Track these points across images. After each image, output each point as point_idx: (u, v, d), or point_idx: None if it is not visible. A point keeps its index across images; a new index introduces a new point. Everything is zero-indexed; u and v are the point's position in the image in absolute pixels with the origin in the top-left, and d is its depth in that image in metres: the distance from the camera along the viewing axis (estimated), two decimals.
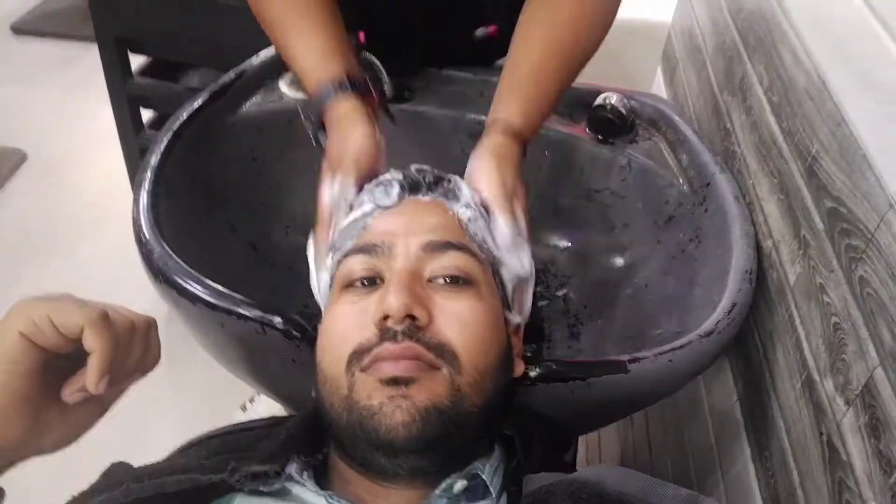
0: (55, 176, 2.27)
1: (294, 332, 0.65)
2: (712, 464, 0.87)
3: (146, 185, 0.77)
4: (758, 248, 0.80)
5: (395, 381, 0.52)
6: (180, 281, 0.68)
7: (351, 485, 0.57)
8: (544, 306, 0.99)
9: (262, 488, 0.56)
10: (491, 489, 0.56)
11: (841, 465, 0.59)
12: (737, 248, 0.79)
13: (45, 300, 0.49)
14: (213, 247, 0.89)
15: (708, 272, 0.83)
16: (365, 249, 0.59)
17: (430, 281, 0.58)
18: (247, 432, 0.72)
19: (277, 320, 0.65)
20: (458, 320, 0.56)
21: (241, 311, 0.66)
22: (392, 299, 0.53)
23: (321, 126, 0.77)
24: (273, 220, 1.00)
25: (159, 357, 0.55)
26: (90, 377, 0.48)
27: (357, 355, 0.54)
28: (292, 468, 0.56)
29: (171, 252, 0.70)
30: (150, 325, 0.54)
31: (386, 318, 0.54)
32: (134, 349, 0.52)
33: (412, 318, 0.54)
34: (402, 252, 0.59)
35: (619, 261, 0.98)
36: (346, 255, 0.61)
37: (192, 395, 1.67)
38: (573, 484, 0.54)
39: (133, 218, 0.74)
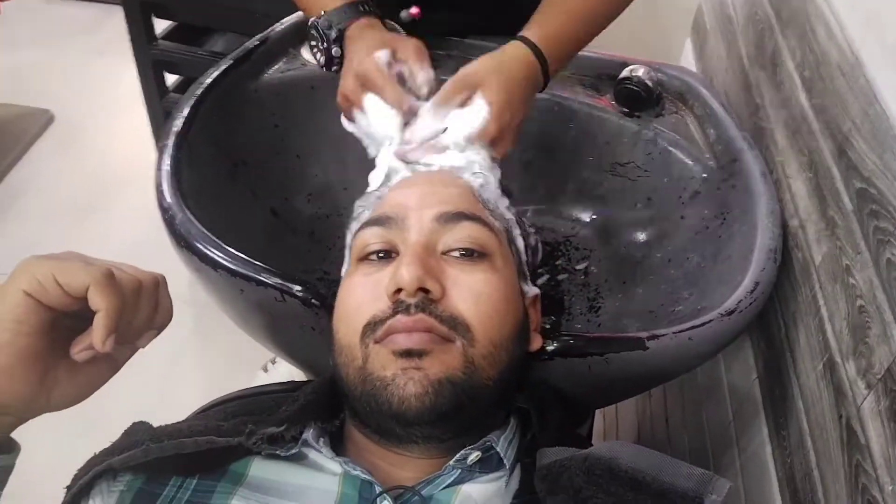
0: (81, 137, 2.29)
1: (313, 301, 0.65)
2: (729, 440, 0.87)
3: (169, 150, 0.77)
4: (784, 226, 0.79)
5: (408, 354, 0.52)
6: (201, 247, 0.69)
7: (366, 452, 0.58)
8: (565, 279, 0.99)
9: (278, 452, 0.57)
10: (504, 461, 0.56)
11: (859, 449, 0.58)
12: (762, 226, 0.78)
13: (50, 259, 0.49)
14: (234, 212, 0.89)
15: (732, 250, 0.82)
16: (378, 222, 0.60)
17: (444, 254, 0.58)
18: (265, 396, 0.73)
19: (297, 288, 0.66)
20: (471, 293, 0.56)
21: (261, 278, 0.66)
22: (404, 272, 0.53)
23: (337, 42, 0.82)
24: (295, 187, 1.01)
25: (171, 314, 0.55)
26: (96, 335, 0.48)
27: (371, 326, 0.54)
28: (309, 434, 0.57)
29: (192, 218, 0.71)
30: (158, 283, 0.54)
31: (399, 290, 0.54)
32: (142, 307, 0.52)
33: (425, 291, 0.54)
34: (415, 224, 0.59)
35: (641, 235, 0.97)
36: (361, 228, 0.61)
37: (216, 356, 1.69)
38: (587, 460, 0.54)
39: (156, 183, 0.74)
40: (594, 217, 1.02)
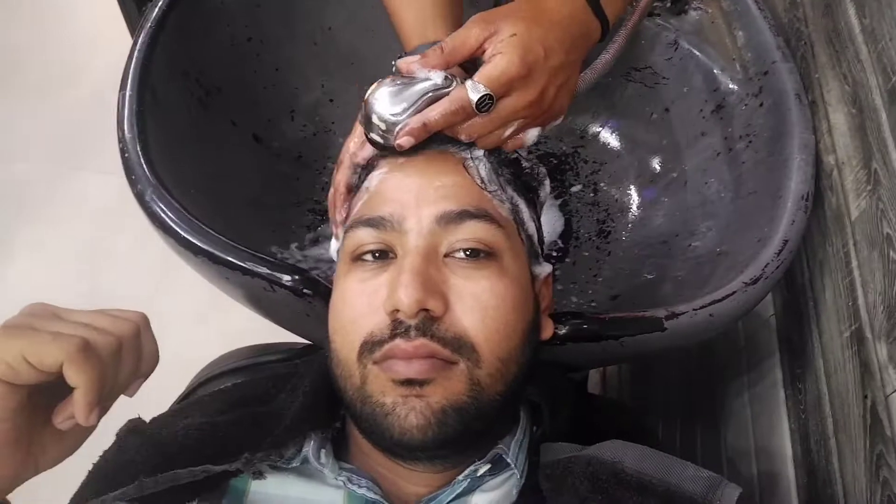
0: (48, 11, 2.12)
1: (304, 290, 0.60)
2: (738, 368, 0.85)
3: (130, 103, 0.68)
4: (817, 163, 0.71)
5: (409, 382, 0.48)
6: (179, 230, 0.62)
7: (371, 459, 0.56)
8: (572, 197, 0.92)
9: (280, 464, 0.55)
10: (514, 467, 0.55)
11: (883, 440, 0.56)
12: (793, 162, 0.70)
13: (17, 334, 0.44)
14: (213, 148, 0.81)
15: (757, 183, 0.75)
16: (372, 223, 0.53)
17: (447, 255, 0.52)
18: (263, 370, 0.70)
19: (286, 278, 0.60)
20: (478, 306, 0.50)
21: (246, 266, 0.61)
22: (402, 296, 0.48)
23: None
24: (276, 107, 0.92)
25: (157, 358, 0.52)
26: (78, 412, 0.45)
27: (369, 346, 0.50)
28: (310, 449, 0.55)
29: (168, 194, 0.64)
30: (139, 331, 0.50)
31: (397, 309, 0.49)
32: (123, 366, 0.48)
33: (426, 310, 0.49)
34: (414, 226, 0.52)
35: (655, 151, 0.90)
36: (352, 226, 0.54)
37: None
38: (591, 464, 0.52)
39: (120, 149, 0.66)
40: (605, 127, 0.93)
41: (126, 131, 0.67)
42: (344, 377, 0.52)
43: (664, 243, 0.83)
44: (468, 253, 0.52)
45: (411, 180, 0.55)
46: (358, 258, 0.54)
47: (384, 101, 0.56)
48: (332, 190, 0.62)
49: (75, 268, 1.70)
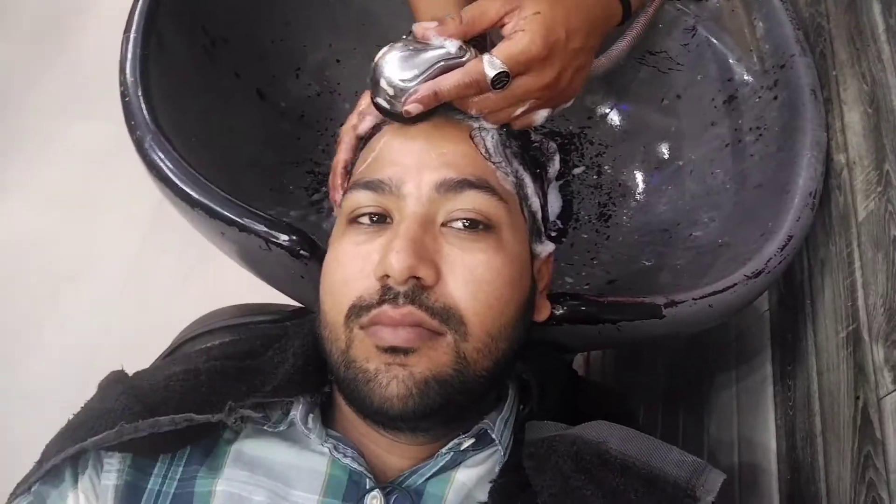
0: None
1: (301, 252, 0.59)
2: (728, 362, 0.85)
3: (132, 46, 0.66)
4: (827, 161, 0.70)
5: (393, 350, 0.47)
6: (177, 181, 0.61)
7: (355, 430, 0.55)
8: (578, 174, 0.91)
9: (266, 427, 0.55)
10: (499, 444, 0.54)
11: (872, 441, 0.56)
12: (804, 159, 0.70)
13: None
14: (216, 100, 0.80)
15: (764, 176, 0.74)
16: (371, 186, 0.52)
17: (444, 224, 0.51)
18: (253, 329, 0.69)
19: (284, 237, 0.59)
20: (471, 279, 0.49)
21: (244, 222, 0.60)
22: (394, 261, 0.47)
23: None
24: (282, 62, 0.90)
25: None
26: None
27: (356, 310, 0.49)
28: (297, 413, 0.54)
29: (167, 142, 0.62)
30: None
31: (387, 275, 0.48)
32: None
33: (417, 277, 0.48)
34: (412, 191, 0.51)
35: (663, 137, 0.88)
36: (351, 188, 0.53)
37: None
38: (576, 443, 0.52)
39: (121, 93, 0.65)
40: (614, 109, 0.92)
41: (128, 74, 0.65)
42: (330, 340, 0.51)
43: (665, 231, 0.82)
44: (466, 224, 0.51)
45: (414, 144, 0.53)
46: (354, 220, 0.53)
47: (394, 65, 0.54)
48: (331, 174, 0.60)
49: (63, 214, 1.67)
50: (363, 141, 0.59)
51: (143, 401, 0.54)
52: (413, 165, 0.52)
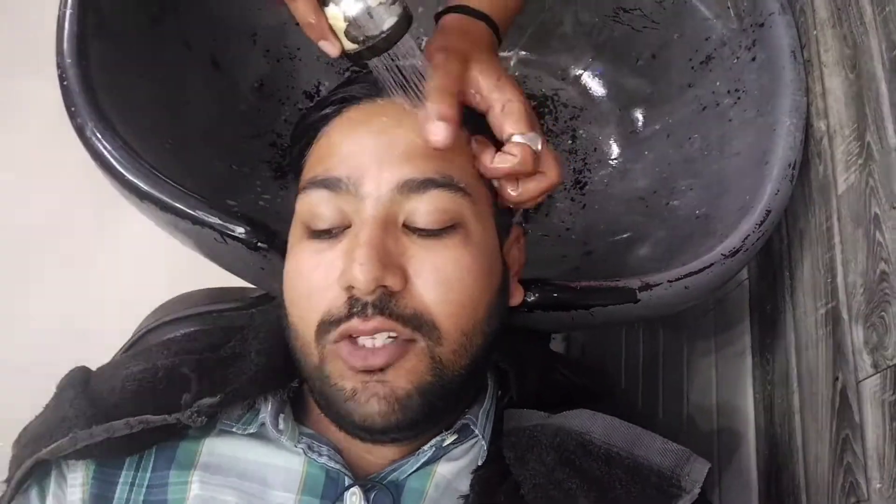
0: None
1: (259, 244, 0.56)
2: (707, 330, 0.83)
3: (68, 23, 0.61)
4: (807, 127, 0.68)
5: (368, 371, 0.46)
6: (125, 172, 0.57)
7: (330, 430, 0.53)
8: (552, 138, 0.88)
9: (235, 430, 0.53)
10: (482, 438, 0.53)
11: (850, 425, 0.55)
12: (782, 126, 0.67)
13: None
14: (166, 75, 0.75)
15: (742, 144, 0.72)
16: (327, 184, 0.48)
17: (406, 226, 0.48)
18: (217, 320, 0.67)
19: (239, 230, 0.56)
20: (440, 279, 0.47)
21: (196, 214, 0.56)
22: (358, 273, 0.44)
23: None
24: (238, 26, 0.84)
25: None
26: None
27: (325, 325, 0.47)
28: (267, 414, 0.52)
29: (111, 129, 0.58)
30: None
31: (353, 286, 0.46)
32: None
33: (384, 286, 0.46)
34: (372, 192, 0.47)
35: (639, 99, 0.85)
36: (306, 187, 0.50)
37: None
38: (558, 434, 0.52)
39: (59, 76, 0.60)
40: (588, 70, 0.88)
41: (66, 55, 0.61)
42: (302, 352, 0.49)
43: (641, 199, 0.79)
44: (430, 223, 0.48)
45: (371, 138, 0.49)
46: (312, 228, 0.49)
47: None
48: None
49: (19, 184, 1.60)
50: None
51: (98, 405, 0.52)
52: (371, 162, 0.48)
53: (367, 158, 0.48)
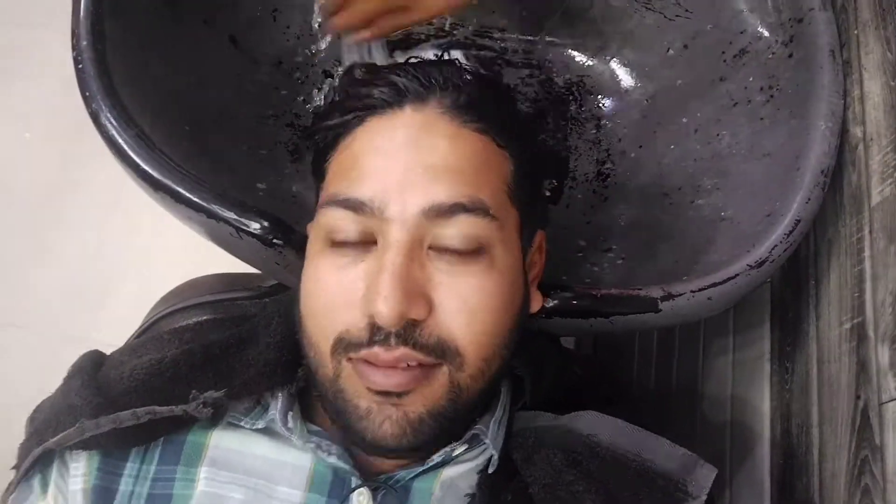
0: None
1: (275, 240, 0.55)
2: (724, 329, 0.82)
3: (83, 6, 0.60)
4: (842, 132, 0.65)
5: (386, 393, 0.45)
6: (139, 161, 0.56)
7: (338, 432, 0.53)
8: (576, 127, 0.86)
9: (243, 425, 0.53)
10: (492, 448, 0.52)
11: (870, 446, 0.54)
12: (817, 132, 0.65)
13: None
14: (183, 54, 0.73)
15: (773, 145, 0.69)
16: (350, 205, 0.46)
17: (431, 248, 0.47)
18: (230, 309, 0.67)
19: (255, 225, 0.55)
20: (464, 308, 0.46)
21: (211, 209, 0.55)
22: (383, 307, 0.43)
23: None
24: (258, 3, 0.82)
25: None
26: None
27: (344, 343, 0.46)
28: (276, 411, 0.52)
29: (126, 116, 0.57)
30: None
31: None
32: None
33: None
34: (397, 216, 0.45)
35: (669, 88, 0.83)
36: (328, 204, 0.48)
37: None
38: (566, 436, 0.52)
39: (74, 59, 0.59)
40: (615, 56, 0.86)
41: (82, 38, 0.59)
42: (316, 363, 0.49)
43: (665, 196, 0.77)
44: (457, 249, 0.47)
45: (397, 156, 0.47)
46: (335, 243, 0.48)
47: None
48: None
49: (28, 140, 1.59)
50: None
51: (105, 394, 0.52)
52: (396, 183, 0.46)
53: (393, 178, 0.46)
